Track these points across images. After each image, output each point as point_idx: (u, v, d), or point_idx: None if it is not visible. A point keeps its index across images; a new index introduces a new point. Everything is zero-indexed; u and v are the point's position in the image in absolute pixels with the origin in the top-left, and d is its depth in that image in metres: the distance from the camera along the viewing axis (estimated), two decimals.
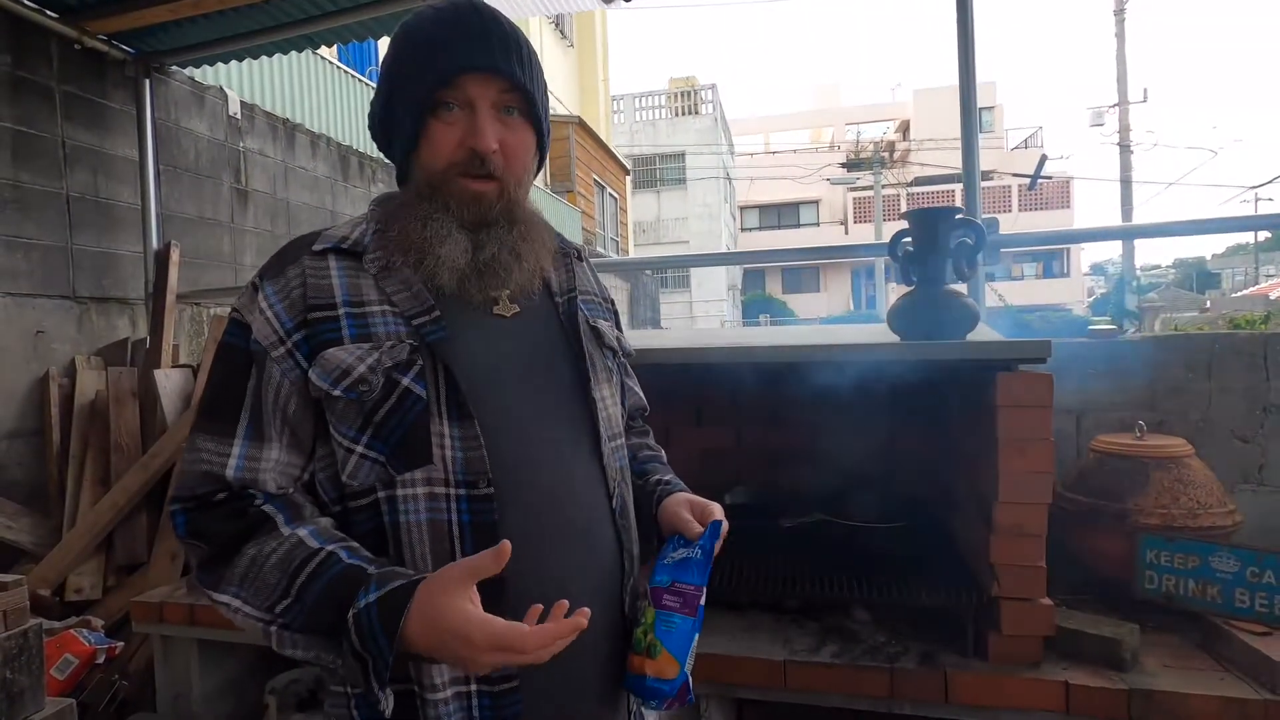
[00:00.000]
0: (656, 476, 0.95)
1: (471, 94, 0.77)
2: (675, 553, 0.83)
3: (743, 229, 28.55)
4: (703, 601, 0.78)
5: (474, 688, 0.71)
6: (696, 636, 0.77)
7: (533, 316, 0.83)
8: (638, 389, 1.06)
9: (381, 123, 0.83)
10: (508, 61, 0.78)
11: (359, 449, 0.72)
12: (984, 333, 1.67)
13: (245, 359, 0.74)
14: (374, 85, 0.86)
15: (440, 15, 0.79)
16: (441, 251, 0.76)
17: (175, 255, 3.19)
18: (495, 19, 0.80)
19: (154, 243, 3.21)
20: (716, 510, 0.86)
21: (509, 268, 0.79)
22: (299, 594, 0.66)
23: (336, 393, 0.72)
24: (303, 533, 0.71)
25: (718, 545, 0.83)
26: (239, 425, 0.73)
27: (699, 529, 0.83)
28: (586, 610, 0.64)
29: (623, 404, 0.94)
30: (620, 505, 0.84)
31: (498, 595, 0.70)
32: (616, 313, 1.00)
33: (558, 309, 0.86)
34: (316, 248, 0.78)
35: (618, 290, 12.69)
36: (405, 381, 0.72)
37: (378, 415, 0.72)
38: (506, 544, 0.63)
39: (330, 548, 0.69)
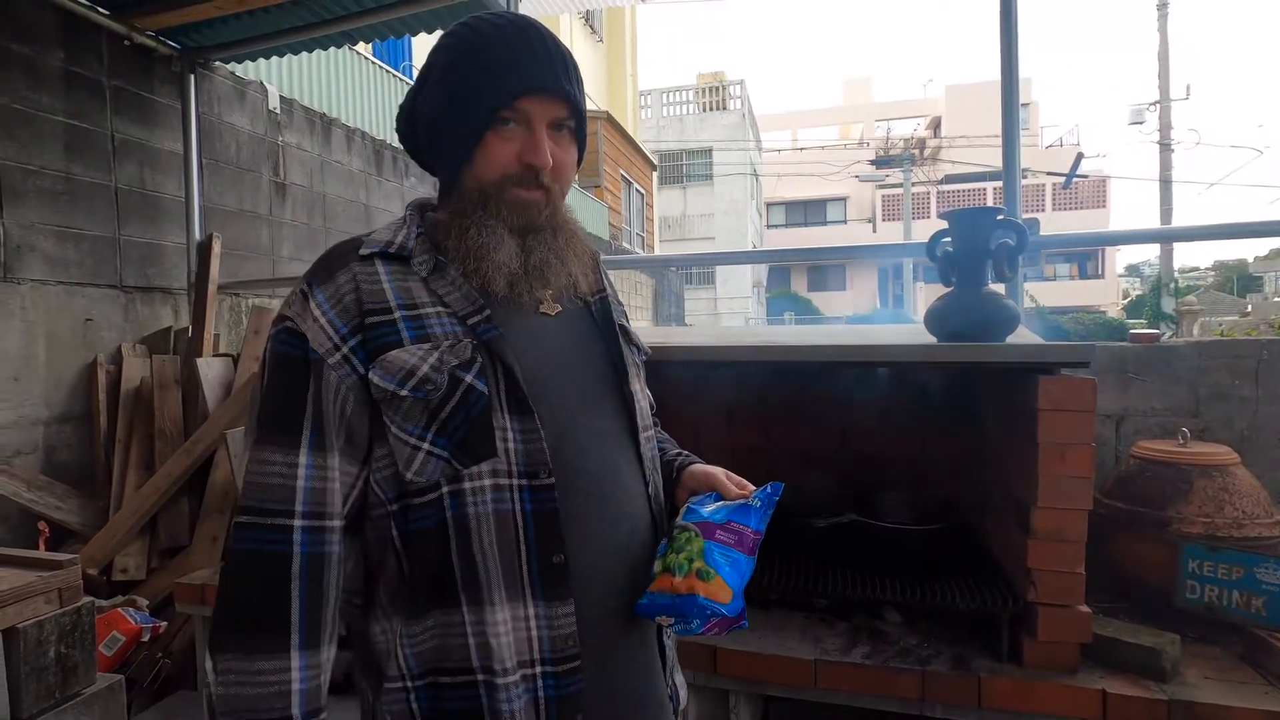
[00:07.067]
0: (675, 450, 1.00)
1: (532, 113, 0.79)
2: (721, 501, 0.86)
3: (769, 225, 28.36)
4: (756, 547, 0.81)
5: (539, 670, 0.74)
6: (749, 578, 0.79)
7: (571, 316, 0.88)
8: (646, 389, 1.11)
9: (429, 127, 0.83)
10: (570, 84, 0.81)
11: (425, 445, 0.74)
12: (1024, 335, 1.65)
13: (304, 368, 0.75)
14: (407, 80, 0.86)
15: (502, 31, 0.79)
16: (497, 257, 0.79)
17: (217, 247, 3.27)
18: (554, 38, 0.82)
19: (196, 234, 3.30)
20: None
21: (555, 271, 0.83)
22: None
23: (404, 392, 0.73)
24: (295, 682, 0.69)
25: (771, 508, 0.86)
26: (303, 434, 0.74)
27: (736, 492, 0.87)
28: None
29: None
30: (654, 491, 0.89)
31: (561, 572, 0.75)
32: (624, 312, 1.04)
33: (590, 309, 0.91)
34: (363, 252, 0.79)
35: (643, 286, 12.70)
36: (468, 379, 0.75)
37: (443, 413, 0.74)
38: None
39: None
